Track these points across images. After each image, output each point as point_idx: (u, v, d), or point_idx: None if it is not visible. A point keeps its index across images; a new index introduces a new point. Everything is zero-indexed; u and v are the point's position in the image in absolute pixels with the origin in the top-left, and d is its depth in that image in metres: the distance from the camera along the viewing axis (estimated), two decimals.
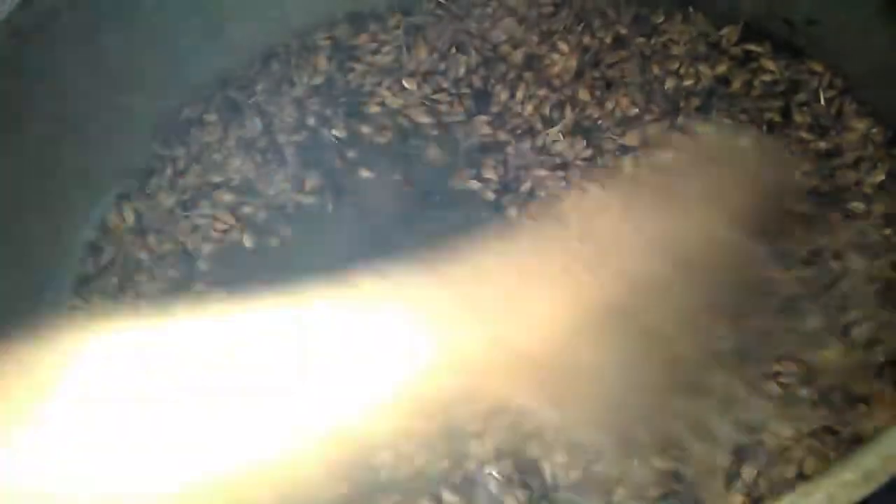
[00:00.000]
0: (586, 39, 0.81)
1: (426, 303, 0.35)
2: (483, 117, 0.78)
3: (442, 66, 0.82)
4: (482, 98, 0.79)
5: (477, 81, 0.80)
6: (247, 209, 0.76)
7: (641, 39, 0.80)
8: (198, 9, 0.81)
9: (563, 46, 0.80)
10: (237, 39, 0.86)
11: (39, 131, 0.71)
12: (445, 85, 0.81)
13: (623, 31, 0.81)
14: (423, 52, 0.84)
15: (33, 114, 0.70)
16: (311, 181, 0.77)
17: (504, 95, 0.79)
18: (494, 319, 0.35)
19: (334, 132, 0.80)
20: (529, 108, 0.77)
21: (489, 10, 0.86)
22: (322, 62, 0.85)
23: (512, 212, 0.70)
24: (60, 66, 0.72)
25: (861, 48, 0.72)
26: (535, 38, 0.82)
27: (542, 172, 0.72)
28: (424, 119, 0.79)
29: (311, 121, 0.81)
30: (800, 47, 0.77)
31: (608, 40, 0.81)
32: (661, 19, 0.82)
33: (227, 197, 0.77)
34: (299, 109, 0.82)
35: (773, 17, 0.78)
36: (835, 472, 0.35)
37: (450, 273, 0.36)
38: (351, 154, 0.78)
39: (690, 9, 0.82)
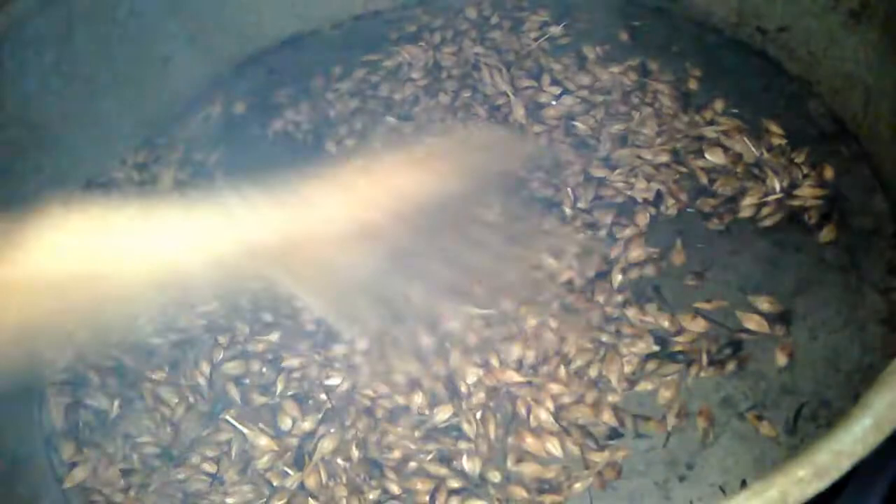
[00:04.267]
0: None
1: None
2: None
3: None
4: None
5: None
6: None
7: None
8: (174, 15, 0.81)
9: None
10: (215, 46, 0.86)
11: (11, 135, 0.71)
12: None
13: None
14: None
15: (4, 118, 0.70)
16: None
17: None
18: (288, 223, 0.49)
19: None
20: None
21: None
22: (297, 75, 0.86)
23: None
24: (34, 71, 0.72)
25: (828, 55, 0.73)
26: None
27: None
28: None
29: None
30: (771, 54, 0.78)
31: None
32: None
33: None
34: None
35: (745, 23, 0.79)
36: (788, 469, 0.35)
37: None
38: None
39: None
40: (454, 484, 0.59)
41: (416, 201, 0.51)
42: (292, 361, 0.65)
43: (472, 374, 0.62)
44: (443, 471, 0.59)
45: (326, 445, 0.61)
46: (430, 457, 0.60)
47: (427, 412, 0.62)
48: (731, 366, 0.61)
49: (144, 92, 0.83)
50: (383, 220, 0.50)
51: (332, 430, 0.62)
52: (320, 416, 0.63)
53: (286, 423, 0.62)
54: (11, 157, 0.71)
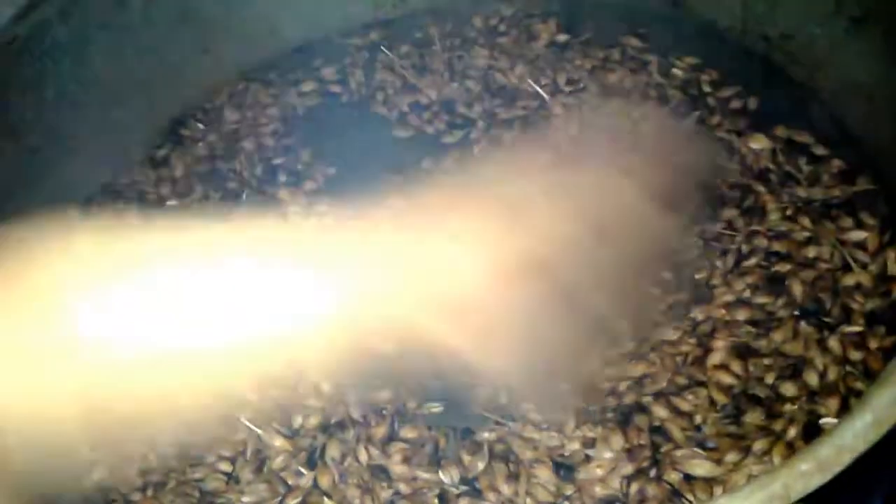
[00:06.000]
0: None
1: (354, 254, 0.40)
2: None
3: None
4: None
5: None
6: None
7: None
8: (187, 23, 0.83)
9: None
10: (227, 54, 0.88)
11: (30, 142, 0.73)
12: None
13: None
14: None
15: (23, 124, 0.72)
16: None
17: None
18: (418, 270, 0.39)
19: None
20: None
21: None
22: (309, 83, 0.87)
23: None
24: (51, 79, 0.74)
25: (831, 62, 0.74)
26: None
27: None
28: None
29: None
30: (775, 60, 0.79)
31: None
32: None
33: None
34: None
35: (749, 31, 0.80)
36: (791, 462, 0.37)
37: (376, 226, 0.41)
38: None
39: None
40: (463, 486, 0.60)
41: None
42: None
43: None
44: (452, 470, 0.61)
45: (335, 447, 0.62)
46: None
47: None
48: None
49: (159, 99, 0.84)
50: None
51: (340, 433, 0.63)
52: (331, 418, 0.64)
53: (298, 422, 0.64)
54: (31, 162, 0.73)
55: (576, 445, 0.60)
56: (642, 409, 0.60)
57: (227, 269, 0.38)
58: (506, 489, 0.58)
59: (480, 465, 0.60)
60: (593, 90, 0.80)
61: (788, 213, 0.69)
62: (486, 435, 0.61)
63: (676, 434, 0.59)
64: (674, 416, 0.60)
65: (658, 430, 0.60)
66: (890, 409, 0.37)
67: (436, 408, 0.64)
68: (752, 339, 0.63)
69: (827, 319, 0.63)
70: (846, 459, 0.36)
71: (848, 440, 0.36)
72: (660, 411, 0.60)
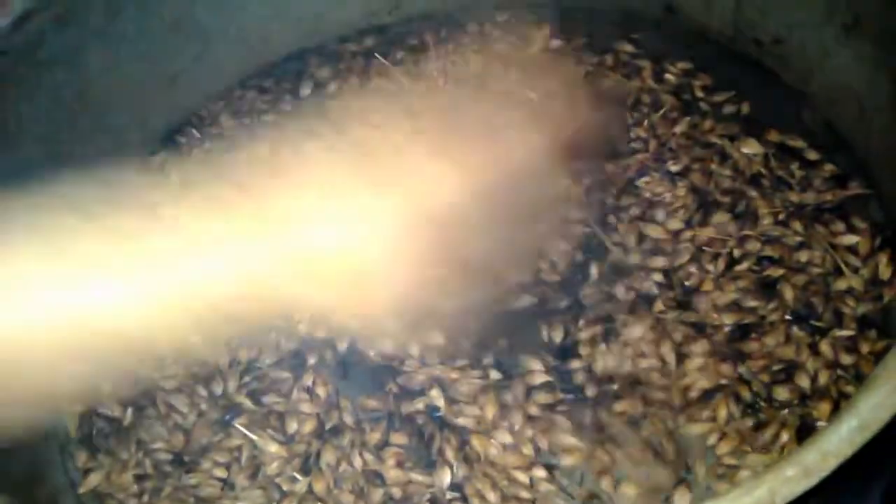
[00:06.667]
0: None
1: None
2: None
3: None
4: None
5: None
6: None
7: None
8: (181, 32, 0.83)
9: None
10: (222, 61, 0.88)
11: (28, 152, 0.73)
12: None
13: None
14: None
15: (21, 135, 0.72)
16: None
17: None
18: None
19: None
20: None
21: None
22: (306, 89, 0.88)
23: None
24: (47, 88, 0.74)
25: (823, 67, 0.74)
26: None
27: None
28: None
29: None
30: (768, 65, 0.80)
31: None
32: None
33: None
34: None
35: (741, 36, 0.81)
36: (777, 468, 0.37)
37: None
38: None
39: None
40: (454, 493, 0.60)
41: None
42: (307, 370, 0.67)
43: None
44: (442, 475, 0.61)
45: (330, 453, 0.63)
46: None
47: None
48: None
49: (153, 107, 0.85)
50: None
51: (335, 438, 0.64)
52: (326, 423, 0.64)
53: (293, 428, 0.64)
54: (25, 169, 0.73)
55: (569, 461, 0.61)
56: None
57: None
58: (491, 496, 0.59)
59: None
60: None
61: (780, 217, 0.69)
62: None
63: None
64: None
65: None
66: (875, 413, 0.37)
67: None
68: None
69: (818, 323, 0.64)
70: (832, 464, 0.36)
71: (833, 445, 0.37)
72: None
